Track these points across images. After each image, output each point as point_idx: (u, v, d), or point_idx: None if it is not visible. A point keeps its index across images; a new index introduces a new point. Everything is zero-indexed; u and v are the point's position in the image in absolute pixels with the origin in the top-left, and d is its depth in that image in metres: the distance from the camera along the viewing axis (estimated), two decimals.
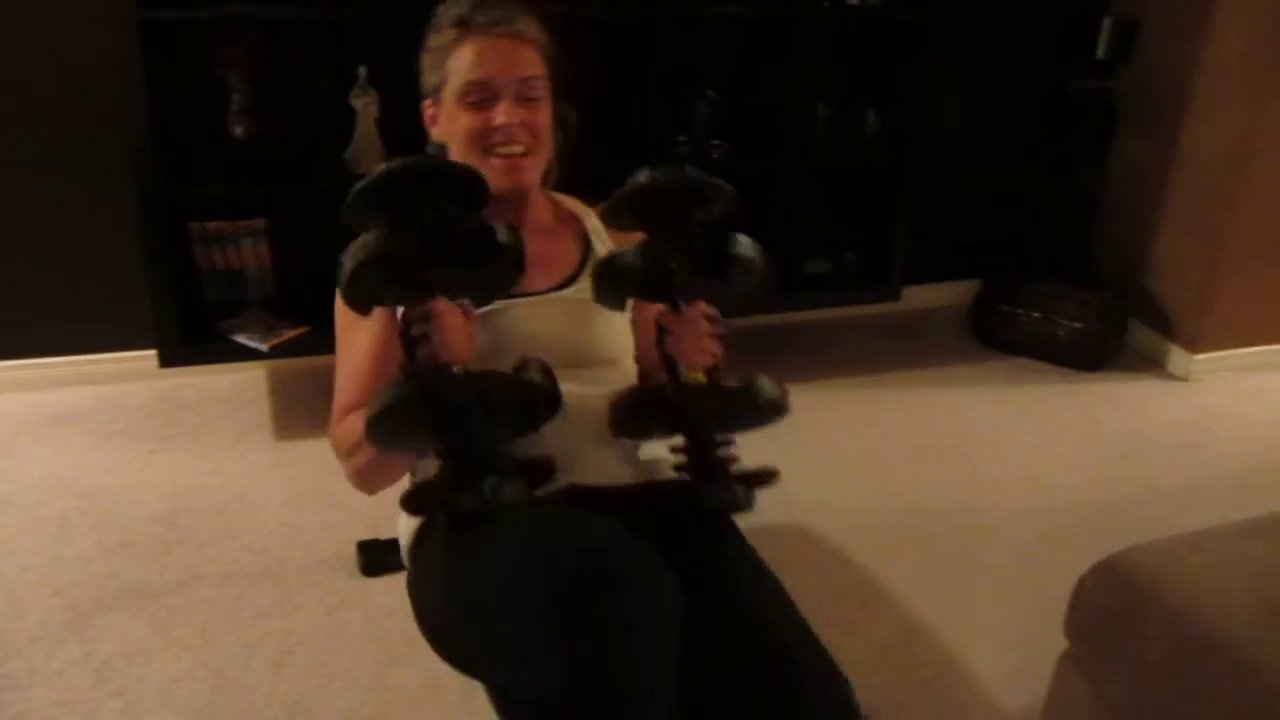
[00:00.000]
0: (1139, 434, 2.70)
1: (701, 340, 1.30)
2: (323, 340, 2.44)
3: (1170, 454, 2.61)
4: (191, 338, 2.40)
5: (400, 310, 1.20)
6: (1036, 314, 3.00)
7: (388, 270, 1.13)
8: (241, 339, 2.40)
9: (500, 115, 1.38)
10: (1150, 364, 3.06)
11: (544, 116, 1.43)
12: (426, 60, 1.46)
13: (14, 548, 2.06)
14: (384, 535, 2.05)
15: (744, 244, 1.27)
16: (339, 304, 1.37)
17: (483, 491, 1.13)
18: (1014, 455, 2.58)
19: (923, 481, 2.45)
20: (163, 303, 2.33)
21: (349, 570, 2.04)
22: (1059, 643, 1.55)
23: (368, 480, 1.42)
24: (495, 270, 1.19)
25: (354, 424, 1.33)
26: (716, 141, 2.70)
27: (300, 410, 2.58)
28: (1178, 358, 3.01)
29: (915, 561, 2.15)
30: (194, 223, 2.49)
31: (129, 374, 2.63)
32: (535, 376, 1.19)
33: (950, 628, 1.96)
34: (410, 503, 1.20)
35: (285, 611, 1.94)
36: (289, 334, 2.42)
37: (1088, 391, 2.90)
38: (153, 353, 2.48)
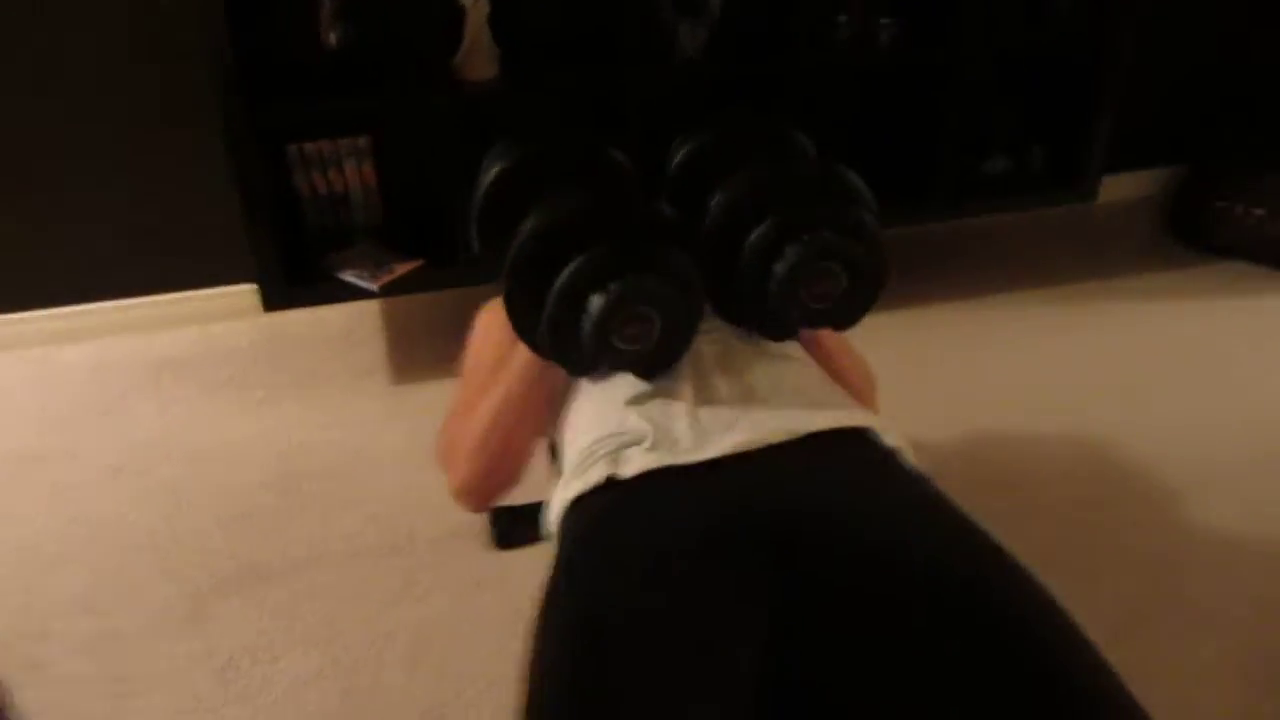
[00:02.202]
0: None
1: None
2: (436, 275, 2.22)
3: None
4: (296, 275, 2.17)
5: None
6: (1259, 210, 2.53)
7: None
8: (349, 277, 2.15)
9: None
10: None
11: None
12: None
13: (127, 523, 1.91)
14: (517, 501, 1.82)
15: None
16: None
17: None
18: (1231, 384, 2.18)
19: (1118, 416, 2.09)
20: (261, 240, 2.08)
21: (482, 541, 1.83)
22: None
23: (486, 479, 1.48)
24: None
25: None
26: (885, 20, 2.27)
27: (417, 349, 2.35)
28: None
29: (1114, 514, 1.83)
30: (291, 145, 2.23)
31: (233, 310, 2.43)
32: None
33: (1169, 614, 1.64)
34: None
35: (416, 596, 1.74)
36: (400, 270, 2.16)
37: None
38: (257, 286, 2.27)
